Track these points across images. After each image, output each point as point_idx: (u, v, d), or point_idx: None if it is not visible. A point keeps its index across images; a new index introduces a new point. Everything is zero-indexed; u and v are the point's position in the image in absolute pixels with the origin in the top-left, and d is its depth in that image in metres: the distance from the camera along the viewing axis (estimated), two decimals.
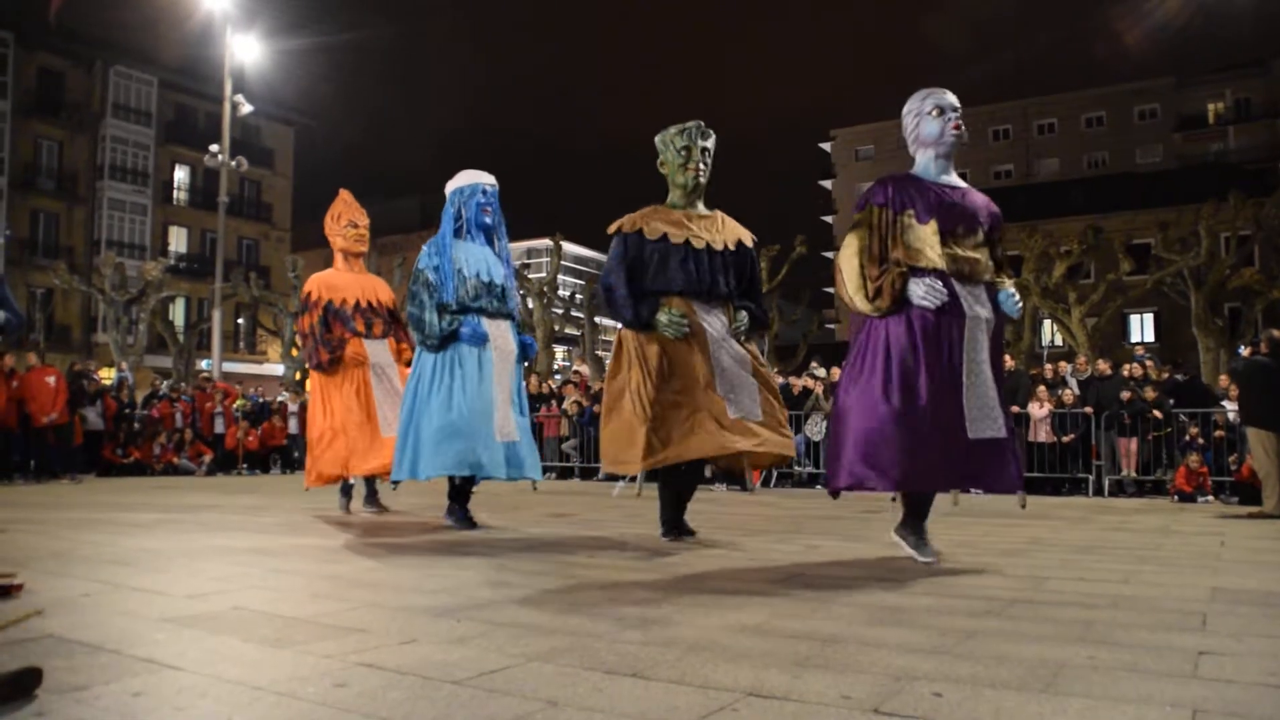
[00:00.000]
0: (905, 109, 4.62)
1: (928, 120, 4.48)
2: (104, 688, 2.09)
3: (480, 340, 5.75)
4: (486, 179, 6.16)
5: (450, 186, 6.18)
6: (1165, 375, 12.88)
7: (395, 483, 5.90)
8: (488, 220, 6.06)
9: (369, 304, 7.33)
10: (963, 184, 4.59)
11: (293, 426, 16.58)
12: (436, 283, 5.81)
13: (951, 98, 4.51)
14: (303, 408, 14.59)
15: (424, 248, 6.01)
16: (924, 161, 4.54)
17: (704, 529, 5.66)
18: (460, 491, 6.14)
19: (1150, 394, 11.75)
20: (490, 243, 6.11)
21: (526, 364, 6.42)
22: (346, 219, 7.46)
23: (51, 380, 12.86)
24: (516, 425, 5.85)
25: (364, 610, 3.09)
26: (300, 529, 6.01)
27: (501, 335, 5.92)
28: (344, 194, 7.59)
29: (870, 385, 4.20)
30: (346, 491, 7.40)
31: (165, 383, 18.24)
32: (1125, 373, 12.61)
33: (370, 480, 7.39)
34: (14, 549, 4.71)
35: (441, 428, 5.60)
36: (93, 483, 12.35)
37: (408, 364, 7.10)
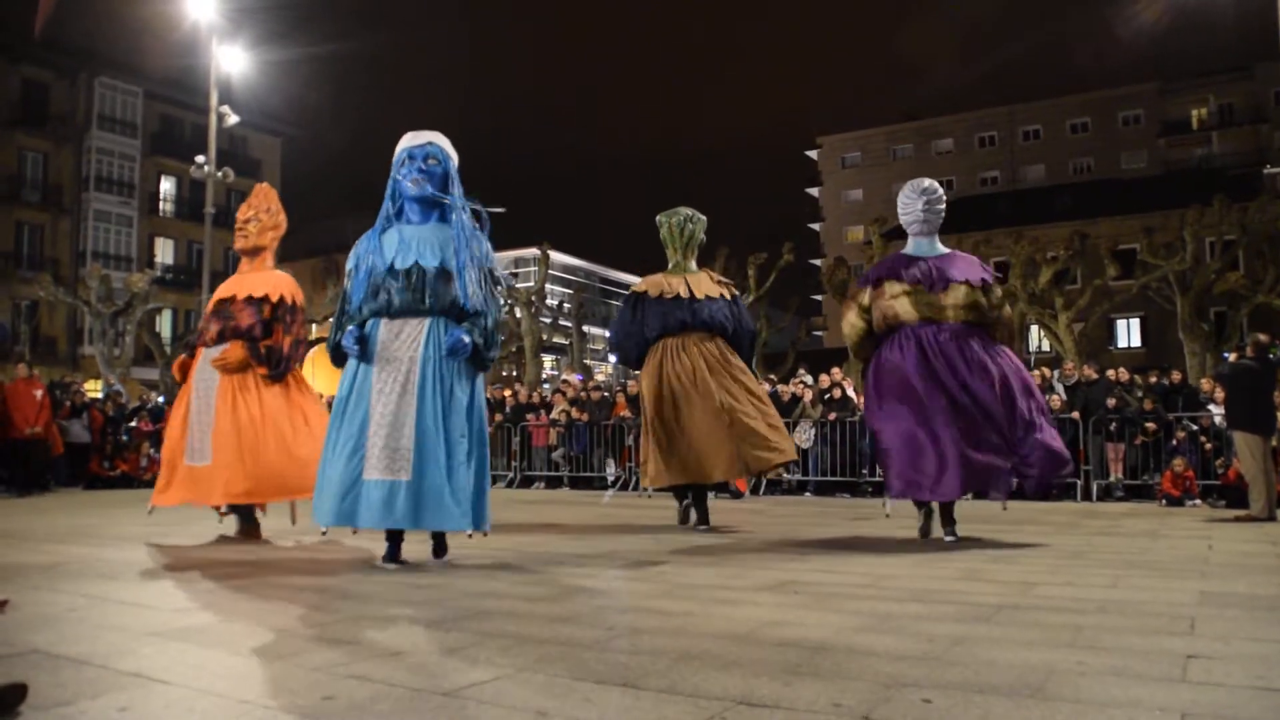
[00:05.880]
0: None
1: None
2: (90, 703, 2.08)
3: (356, 355, 4.49)
4: (420, 139, 4.75)
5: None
6: (1154, 379, 12.93)
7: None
8: (419, 190, 4.59)
9: (220, 301, 6.12)
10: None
11: None
12: (348, 288, 4.69)
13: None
14: None
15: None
16: None
17: (694, 538, 5.65)
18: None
19: (1149, 404, 11.76)
20: (443, 216, 4.69)
21: (482, 370, 4.67)
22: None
23: (38, 394, 12.82)
24: (430, 455, 4.34)
25: (352, 622, 3.08)
26: (288, 541, 5.98)
27: (399, 340, 4.48)
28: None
29: None
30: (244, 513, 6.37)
31: (160, 398, 18.13)
32: (1112, 377, 12.65)
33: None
34: None
35: (320, 471, 4.59)
36: (79, 496, 12.25)
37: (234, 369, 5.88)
